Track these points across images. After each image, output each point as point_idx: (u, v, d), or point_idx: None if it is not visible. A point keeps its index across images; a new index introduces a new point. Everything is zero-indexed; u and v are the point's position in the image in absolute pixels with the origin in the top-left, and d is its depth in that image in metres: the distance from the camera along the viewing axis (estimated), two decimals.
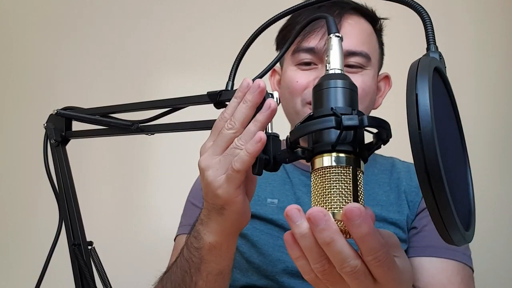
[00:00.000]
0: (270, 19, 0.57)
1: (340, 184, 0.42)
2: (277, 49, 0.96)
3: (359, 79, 0.84)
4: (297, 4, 0.58)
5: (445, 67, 0.46)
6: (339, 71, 0.47)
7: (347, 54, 0.84)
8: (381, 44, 0.94)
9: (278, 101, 0.54)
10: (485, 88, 1.48)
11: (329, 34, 0.49)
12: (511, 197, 1.34)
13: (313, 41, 0.85)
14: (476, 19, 1.52)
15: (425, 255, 0.83)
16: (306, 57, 0.86)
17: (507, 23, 1.50)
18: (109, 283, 0.67)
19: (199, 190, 0.94)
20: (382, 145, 0.46)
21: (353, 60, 0.85)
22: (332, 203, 0.42)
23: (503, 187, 1.35)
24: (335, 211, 0.42)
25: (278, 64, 0.96)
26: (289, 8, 0.56)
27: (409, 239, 0.86)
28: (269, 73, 0.92)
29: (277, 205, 0.87)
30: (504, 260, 1.31)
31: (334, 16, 0.81)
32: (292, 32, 0.81)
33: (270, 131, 0.52)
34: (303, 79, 0.86)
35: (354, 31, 0.86)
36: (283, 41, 0.92)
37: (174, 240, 0.94)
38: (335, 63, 0.48)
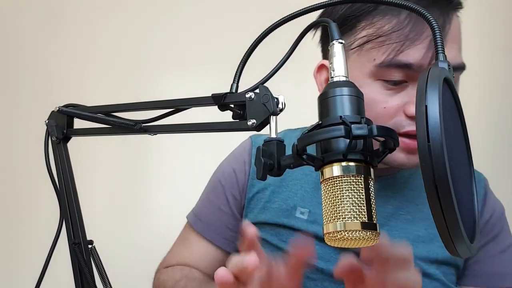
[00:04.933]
0: (278, 20, 0.56)
1: (353, 193, 0.42)
2: (324, 45, 0.80)
3: None
4: (312, 5, 0.53)
5: (453, 76, 0.46)
6: (344, 78, 0.47)
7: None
8: None
9: (283, 106, 0.53)
10: (485, 89, 1.48)
11: (331, 40, 0.48)
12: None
13: (414, 54, 0.65)
14: (477, 18, 1.52)
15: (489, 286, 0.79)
16: (398, 75, 0.66)
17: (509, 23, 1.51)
18: (109, 282, 0.67)
19: (218, 187, 0.88)
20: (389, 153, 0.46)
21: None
22: (346, 212, 0.42)
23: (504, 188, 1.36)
24: (348, 220, 0.41)
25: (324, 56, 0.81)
26: (302, 9, 0.54)
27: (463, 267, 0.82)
28: (315, 68, 0.80)
29: (307, 218, 0.78)
30: None
31: (440, 18, 0.66)
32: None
33: (274, 136, 0.52)
34: (393, 104, 0.67)
35: (455, 38, 0.69)
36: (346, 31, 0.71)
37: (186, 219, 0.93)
38: (339, 70, 0.48)
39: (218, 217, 0.87)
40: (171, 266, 0.89)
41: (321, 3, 0.54)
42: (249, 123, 0.53)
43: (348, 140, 0.42)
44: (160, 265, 0.93)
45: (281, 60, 0.57)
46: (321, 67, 0.79)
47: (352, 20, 0.70)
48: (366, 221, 0.41)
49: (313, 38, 0.83)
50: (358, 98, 0.46)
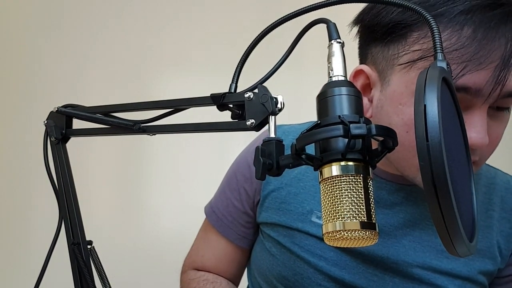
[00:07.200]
0: (277, 20, 0.56)
1: (352, 192, 0.42)
2: (362, 48, 0.70)
3: (501, 126, 0.63)
4: (311, 5, 0.52)
5: (452, 76, 0.46)
6: (342, 78, 0.47)
7: (506, 95, 0.59)
8: None
9: (282, 105, 0.53)
10: None
11: (330, 40, 0.48)
12: None
13: (475, 78, 0.56)
14: None
15: None
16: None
17: None
18: (108, 282, 0.67)
19: (233, 180, 0.85)
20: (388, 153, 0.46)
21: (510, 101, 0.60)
22: (345, 212, 0.42)
23: None
24: (348, 220, 0.41)
25: (367, 61, 0.69)
26: (301, 9, 0.53)
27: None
28: (351, 73, 0.69)
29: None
30: None
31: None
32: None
33: (273, 135, 0.52)
34: None
35: None
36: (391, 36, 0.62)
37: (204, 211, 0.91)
38: (338, 69, 0.48)
39: (231, 211, 0.85)
40: (197, 276, 0.88)
41: (320, 2, 0.54)
42: (248, 123, 0.53)
43: (346, 140, 0.42)
44: (185, 262, 0.93)
45: (280, 60, 0.57)
46: (358, 72, 0.69)
47: (403, 28, 0.60)
48: (365, 220, 0.41)
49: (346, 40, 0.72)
50: (356, 97, 0.46)
